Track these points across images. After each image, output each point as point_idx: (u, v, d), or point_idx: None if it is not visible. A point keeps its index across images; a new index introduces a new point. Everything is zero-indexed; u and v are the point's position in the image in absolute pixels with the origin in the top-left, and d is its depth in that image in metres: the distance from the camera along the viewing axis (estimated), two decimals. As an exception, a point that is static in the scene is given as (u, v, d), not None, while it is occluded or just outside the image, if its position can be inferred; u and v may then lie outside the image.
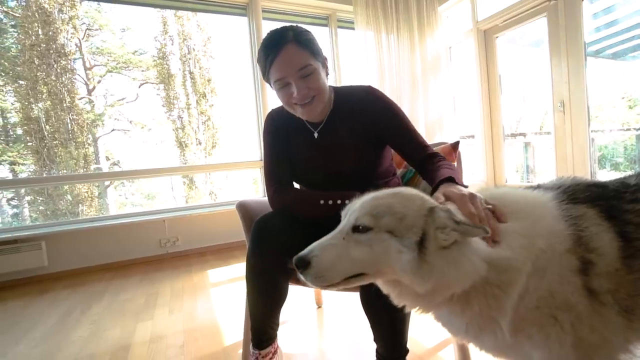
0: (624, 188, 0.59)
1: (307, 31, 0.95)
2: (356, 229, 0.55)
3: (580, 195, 0.58)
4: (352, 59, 3.20)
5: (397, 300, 0.57)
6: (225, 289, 1.99)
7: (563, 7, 2.50)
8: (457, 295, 0.53)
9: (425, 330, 1.35)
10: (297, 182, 1.10)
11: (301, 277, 0.57)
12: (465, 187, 0.70)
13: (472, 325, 0.55)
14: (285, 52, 0.89)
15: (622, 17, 2.81)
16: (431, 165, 0.90)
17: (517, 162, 3.83)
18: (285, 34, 0.90)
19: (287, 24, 0.95)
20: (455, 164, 1.16)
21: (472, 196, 0.60)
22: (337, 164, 1.01)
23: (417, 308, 0.57)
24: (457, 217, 0.51)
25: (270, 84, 0.98)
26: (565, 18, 2.51)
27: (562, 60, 2.57)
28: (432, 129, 3.28)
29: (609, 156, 3.56)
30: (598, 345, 0.50)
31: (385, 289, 0.59)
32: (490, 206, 0.58)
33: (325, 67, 0.98)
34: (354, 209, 0.58)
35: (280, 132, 1.07)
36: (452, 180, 0.73)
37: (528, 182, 3.59)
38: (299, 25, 0.96)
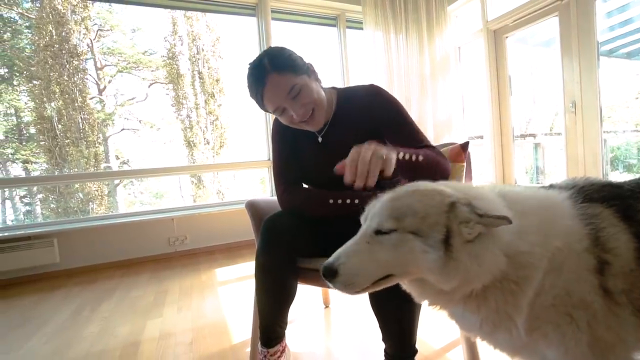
0: (639, 187, 0.58)
1: (280, 51, 0.95)
2: (379, 232, 0.55)
3: (595, 195, 0.57)
4: (361, 59, 3.20)
5: (418, 298, 0.58)
6: (233, 287, 2.00)
7: (575, 6, 2.46)
8: (476, 290, 0.53)
9: (433, 331, 1.34)
10: (305, 183, 1.11)
11: (329, 284, 0.56)
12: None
13: (486, 322, 0.55)
14: (269, 83, 0.91)
15: (637, 16, 2.76)
16: None
17: (527, 163, 3.78)
18: (262, 67, 0.92)
19: (265, 55, 0.94)
20: (465, 164, 1.15)
21: (369, 147, 0.63)
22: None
23: (437, 305, 0.57)
24: (479, 209, 0.51)
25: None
26: (577, 17, 2.47)
27: (573, 60, 2.53)
28: (440, 130, 3.26)
29: (621, 157, 3.49)
30: (613, 344, 0.50)
31: (408, 287, 0.59)
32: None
33: (312, 74, 0.98)
34: (375, 212, 0.57)
35: (287, 135, 1.08)
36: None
37: (538, 183, 3.55)
38: (271, 47, 0.99)
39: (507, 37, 3.08)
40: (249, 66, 0.96)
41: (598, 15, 2.41)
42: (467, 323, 0.59)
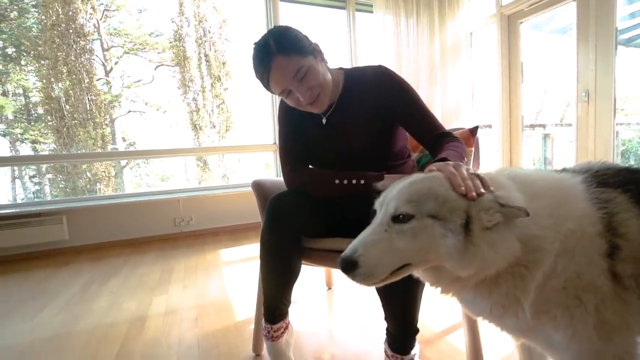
0: None
1: (286, 31, 0.93)
2: (396, 218, 0.53)
3: (611, 179, 0.57)
4: (370, 43, 3.14)
5: (433, 285, 0.58)
6: (238, 267, 2.03)
7: (595, -9, 2.38)
8: (489, 277, 0.53)
9: (435, 313, 1.36)
10: (311, 164, 1.10)
11: (349, 278, 0.54)
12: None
13: (496, 306, 0.56)
14: (275, 66, 0.89)
15: (659, 3, 2.65)
16: (439, 146, 0.89)
17: (535, 154, 3.73)
18: (268, 48, 0.89)
19: (270, 35, 0.91)
20: (473, 149, 1.14)
21: (455, 164, 0.60)
22: (348, 144, 1.01)
23: (451, 292, 0.57)
24: (501, 198, 0.51)
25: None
26: (596, 2, 2.38)
27: (589, 48, 2.45)
28: (448, 117, 3.21)
29: (633, 150, 3.42)
30: (619, 328, 0.51)
31: (422, 275, 0.59)
32: (477, 172, 0.58)
33: (318, 55, 0.96)
34: (391, 197, 0.56)
35: (294, 114, 1.07)
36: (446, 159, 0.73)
37: (545, 174, 3.50)
38: (276, 26, 0.96)
39: (521, 22, 2.99)
40: (254, 46, 0.94)
41: (618, 1, 2.33)
42: (477, 308, 0.60)
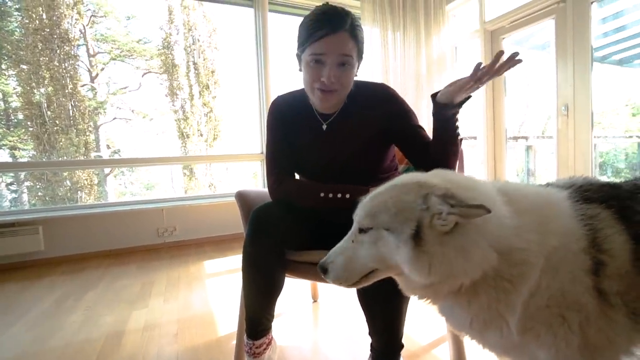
0: (637, 189, 0.58)
1: (361, 27, 0.95)
2: (361, 230, 0.58)
3: (594, 195, 0.57)
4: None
5: (407, 292, 0.58)
6: (222, 280, 1.98)
7: (572, 10, 2.48)
8: (465, 286, 0.52)
9: (420, 327, 1.34)
10: (298, 172, 1.09)
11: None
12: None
13: (477, 320, 0.55)
14: (340, 36, 0.88)
15: (631, 23, 2.79)
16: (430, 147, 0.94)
17: (519, 165, 3.82)
18: (345, 19, 0.89)
19: (349, 15, 0.93)
20: (458, 161, 1.15)
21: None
22: (341, 155, 1.00)
23: (426, 299, 0.57)
24: (453, 199, 0.49)
25: (301, 56, 0.95)
26: (573, 21, 2.48)
27: (568, 64, 2.55)
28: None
29: (610, 162, 3.55)
30: (602, 347, 0.50)
31: (398, 280, 0.60)
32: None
33: (358, 67, 0.97)
34: (358, 210, 0.60)
35: (285, 121, 1.05)
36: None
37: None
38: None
39: (503, 38, 3.10)
40: (327, 5, 0.92)
41: (593, 20, 2.44)
42: (457, 320, 0.59)
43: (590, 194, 0.57)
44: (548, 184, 0.65)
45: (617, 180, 0.67)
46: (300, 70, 0.98)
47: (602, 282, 0.50)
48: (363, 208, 0.58)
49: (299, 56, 0.97)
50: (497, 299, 0.52)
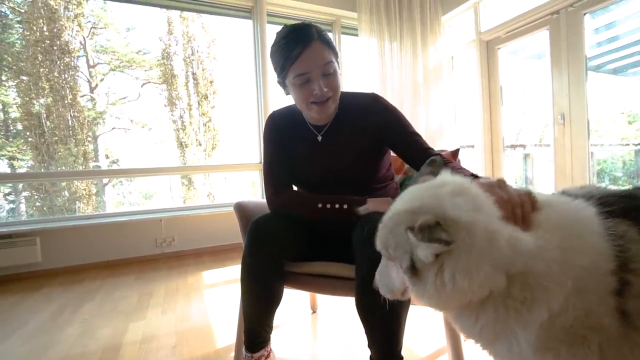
0: None
1: (326, 32, 0.97)
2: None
3: (615, 207, 0.55)
4: (355, 65, 3.22)
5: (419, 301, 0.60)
6: (220, 290, 1.97)
7: (565, 21, 2.53)
8: (473, 302, 0.52)
9: (419, 339, 1.33)
10: (295, 183, 1.09)
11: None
12: None
13: (487, 329, 0.54)
14: (313, 47, 0.89)
15: (623, 34, 2.84)
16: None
17: (516, 173, 3.84)
18: (310, 30, 0.91)
19: (310, 25, 0.94)
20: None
21: (500, 182, 0.59)
22: (337, 166, 1.01)
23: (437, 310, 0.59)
24: (432, 229, 0.47)
25: (284, 82, 0.97)
26: (567, 32, 2.53)
27: (563, 74, 2.58)
28: (432, 138, 3.28)
29: (607, 170, 3.56)
30: None
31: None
32: (524, 192, 0.57)
33: (339, 65, 0.99)
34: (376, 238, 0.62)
35: (281, 134, 1.06)
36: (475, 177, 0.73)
37: (527, 193, 3.58)
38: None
39: (499, 48, 3.14)
40: (289, 26, 0.93)
41: (586, 31, 2.48)
42: (466, 329, 0.58)
43: (611, 207, 0.55)
44: (563, 192, 0.63)
45: (621, 188, 0.66)
46: (287, 94, 1.00)
47: (626, 303, 0.48)
48: (377, 238, 0.60)
49: (281, 83, 0.99)
50: (507, 315, 0.51)
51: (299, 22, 0.96)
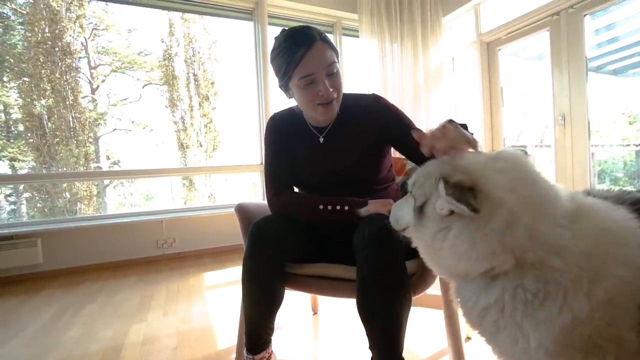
0: None
1: (325, 33, 0.97)
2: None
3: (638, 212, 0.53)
4: (356, 66, 3.23)
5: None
6: (221, 292, 1.97)
7: (565, 22, 2.53)
8: (470, 273, 0.53)
9: (421, 341, 1.33)
10: (296, 185, 1.10)
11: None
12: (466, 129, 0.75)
13: (489, 317, 0.53)
14: (316, 48, 0.90)
15: (623, 35, 2.84)
16: None
17: (517, 174, 3.83)
18: (311, 32, 0.92)
19: (311, 27, 0.95)
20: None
21: (454, 126, 0.64)
22: (338, 167, 1.01)
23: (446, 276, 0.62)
24: (463, 191, 0.49)
25: (287, 85, 0.96)
26: (567, 33, 2.53)
27: (563, 74, 2.58)
28: (433, 139, 3.28)
29: (608, 171, 3.56)
30: None
31: None
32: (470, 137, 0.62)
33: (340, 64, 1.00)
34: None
35: (282, 136, 1.07)
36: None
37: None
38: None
39: (499, 49, 3.14)
40: (287, 30, 0.93)
41: (587, 32, 2.48)
42: (468, 310, 0.58)
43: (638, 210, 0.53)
44: (588, 193, 0.61)
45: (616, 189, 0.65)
46: (290, 98, 1.00)
47: None
48: (415, 173, 0.63)
49: (284, 86, 0.98)
50: (515, 305, 0.50)
51: (296, 25, 0.96)
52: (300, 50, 0.88)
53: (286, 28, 0.96)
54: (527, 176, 0.54)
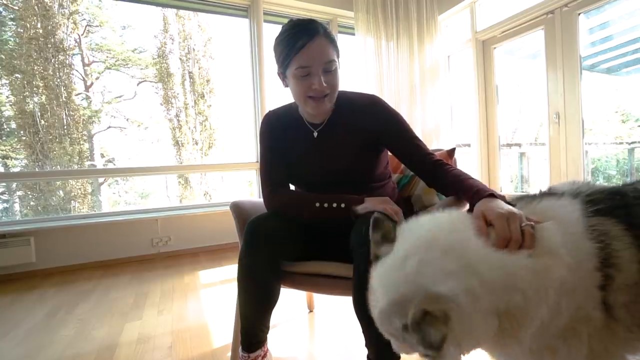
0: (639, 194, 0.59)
1: (331, 30, 0.97)
2: None
3: (602, 205, 0.57)
4: (352, 64, 3.22)
5: None
6: (217, 290, 1.96)
7: (560, 21, 2.55)
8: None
9: (416, 337, 1.33)
10: (293, 183, 1.09)
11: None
12: (503, 198, 0.69)
13: (487, 347, 0.58)
14: (318, 42, 0.90)
15: (617, 33, 2.86)
16: (445, 173, 0.92)
17: (512, 171, 3.86)
18: (316, 25, 0.92)
19: (316, 21, 0.95)
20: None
21: (510, 215, 0.57)
22: (334, 164, 1.01)
23: None
24: (423, 330, 0.44)
25: (285, 73, 0.96)
26: (561, 32, 2.55)
27: (558, 73, 2.60)
28: (429, 137, 3.29)
29: (601, 169, 3.60)
30: (601, 356, 0.52)
31: None
32: (531, 223, 0.56)
33: (339, 64, 0.99)
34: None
35: (277, 133, 1.06)
36: (492, 195, 0.71)
37: (522, 192, 3.62)
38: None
39: (495, 47, 3.16)
40: (295, 20, 0.94)
41: (581, 30, 2.50)
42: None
43: (598, 204, 0.57)
44: (550, 190, 0.65)
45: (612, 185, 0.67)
46: (286, 86, 1.00)
47: (608, 296, 0.51)
48: (381, 328, 0.56)
49: (282, 74, 0.98)
50: (504, 337, 0.51)
51: (300, 18, 0.96)
52: (301, 40, 0.89)
53: (294, 19, 0.96)
54: (443, 244, 0.51)
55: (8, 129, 5.14)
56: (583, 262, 0.52)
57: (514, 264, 0.50)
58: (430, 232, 0.54)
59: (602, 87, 3.29)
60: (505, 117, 3.36)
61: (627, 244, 0.53)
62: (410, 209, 1.22)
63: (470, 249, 0.51)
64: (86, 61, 5.77)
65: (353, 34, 3.11)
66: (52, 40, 5.00)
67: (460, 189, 0.85)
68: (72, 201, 5.30)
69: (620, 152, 3.59)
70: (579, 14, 2.47)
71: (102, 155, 5.94)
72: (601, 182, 3.44)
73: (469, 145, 3.44)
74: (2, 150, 5.08)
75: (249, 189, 5.71)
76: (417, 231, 0.55)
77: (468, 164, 3.40)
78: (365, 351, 0.88)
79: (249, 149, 3.19)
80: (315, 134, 1.03)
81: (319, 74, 0.91)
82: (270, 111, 1.11)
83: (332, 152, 1.01)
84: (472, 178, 0.87)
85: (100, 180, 5.73)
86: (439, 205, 0.94)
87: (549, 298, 0.50)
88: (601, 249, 0.52)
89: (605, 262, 0.52)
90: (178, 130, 5.98)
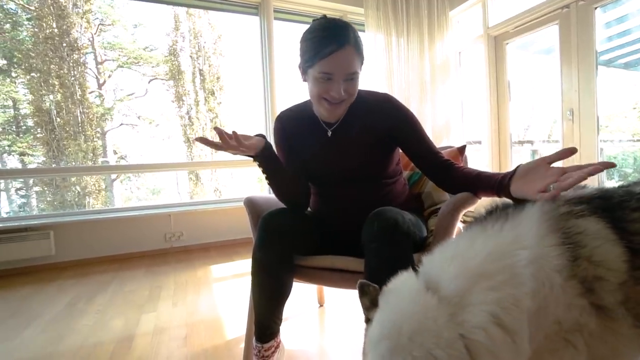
0: (629, 196, 0.58)
1: (360, 37, 0.95)
2: None
3: (585, 206, 0.56)
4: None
5: None
6: (228, 284, 2.00)
7: (575, 15, 2.49)
8: None
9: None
10: (309, 180, 1.11)
11: None
12: None
13: None
14: (346, 52, 0.88)
15: (635, 27, 2.78)
16: (454, 172, 0.95)
17: (524, 169, 3.81)
18: (348, 32, 0.90)
19: (350, 28, 0.93)
20: (463, 167, 1.16)
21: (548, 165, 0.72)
22: (347, 162, 1.02)
23: None
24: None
25: (307, 71, 0.95)
26: (577, 26, 2.49)
27: (572, 69, 2.55)
28: (439, 134, 3.27)
29: (617, 166, 3.52)
30: (608, 356, 0.51)
31: None
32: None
33: (360, 69, 0.99)
34: None
35: (290, 133, 1.08)
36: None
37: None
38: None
39: (507, 43, 3.11)
40: (329, 19, 0.93)
41: (597, 25, 2.44)
42: None
43: (581, 208, 0.56)
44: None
45: (622, 183, 0.66)
46: (304, 80, 1.00)
47: (600, 298, 0.50)
48: None
49: (303, 70, 0.97)
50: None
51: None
52: (330, 47, 0.87)
53: (327, 15, 0.96)
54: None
55: (25, 127, 5.28)
56: (552, 277, 0.51)
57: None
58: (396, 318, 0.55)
59: (619, 83, 3.22)
60: (518, 113, 3.31)
61: (613, 242, 0.52)
62: (420, 205, 1.23)
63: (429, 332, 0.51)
64: (99, 59, 5.88)
65: (363, 31, 3.10)
66: (67, 40, 5.11)
67: (478, 181, 0.88)
68: (87, 197, 5.44)
69: (637, 149, 3.50)
70: (596, 8, 2.41)
71: (115, 152, 6.07)
72: (616, 180, 3.37)
73: (479, 142, 3.41)
74: (20, 147, 5.23)
75: (258, 185, 5.76)
76: (387, 314, 0.58)
77: (479, 162, 3.36)
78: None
79: (259, 146, 3.21)
80: (330, 133, 1.04)
81: (339, 82, 0.90)
82: (282, 112, 1.12)
83: (345, 150, 1.03)
84: (470, 169, 0.92)
85: (113, 176, 5.85)
86: (449, 202, 0.95)
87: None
88: (574, 251, 0.51)
89: (591, 264, 0.51)
90: (189, 127, 6.05)
